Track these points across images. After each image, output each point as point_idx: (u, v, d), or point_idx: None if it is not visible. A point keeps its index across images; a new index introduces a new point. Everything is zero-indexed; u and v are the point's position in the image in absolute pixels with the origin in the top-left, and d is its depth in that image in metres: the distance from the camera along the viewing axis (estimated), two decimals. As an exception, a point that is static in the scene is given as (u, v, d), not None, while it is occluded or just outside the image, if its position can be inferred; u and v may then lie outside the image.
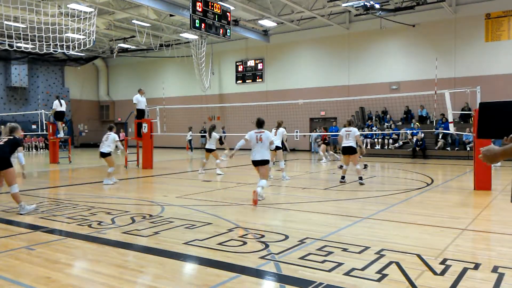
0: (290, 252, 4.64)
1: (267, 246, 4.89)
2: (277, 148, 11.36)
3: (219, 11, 19.68)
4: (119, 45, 28.96)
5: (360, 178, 10.33)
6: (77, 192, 9.66)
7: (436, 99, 11.69)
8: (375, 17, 22.48)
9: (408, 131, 20.71)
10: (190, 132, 24.96)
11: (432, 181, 11.20)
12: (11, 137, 6.74)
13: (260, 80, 28.53)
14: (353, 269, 4.07)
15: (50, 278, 3.92)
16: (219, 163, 13.24)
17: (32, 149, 29.30)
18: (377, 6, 19.44)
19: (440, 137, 20.14)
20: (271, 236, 5.34)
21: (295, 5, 21.13)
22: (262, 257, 4.47)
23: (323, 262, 4.29)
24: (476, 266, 4.14)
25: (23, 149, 6.78)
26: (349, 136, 10.28)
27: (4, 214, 6.98)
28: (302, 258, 4.43)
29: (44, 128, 20.01)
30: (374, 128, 22.30)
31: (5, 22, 18.72)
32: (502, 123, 2.47)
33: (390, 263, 4.23)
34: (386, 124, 22.56)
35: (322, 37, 25.79)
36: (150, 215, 6.77)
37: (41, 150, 29.48)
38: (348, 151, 10.29)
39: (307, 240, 5.15)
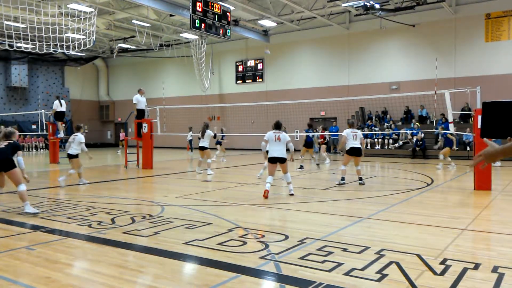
0: (290, 252, 4.64)
1: (267, 246, 4.89)
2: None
3: (219, 11, 19.67)
4: (119, 45, 28.96)
5: (360, 179, 10.34)
6: (77, 192, 9.67)
7: (436, 99, 11.69)
8: (375, 17, 22.47)
9: (408, 131, 20.71)
10: (191, 132, 24.97)
11: (432, 181, 11.20)
12: (11, 141, 6.86)
13: (260, 80, 28.53)
14: (353, 269, 4.07)
15: (50, 278, 3.92)
16: (210, 163, 13.28)
17: (32, 149, 29.30)
18: (377, 6, 19.44)
19: (440, 137, 20.12)
20: (271, 236, 5.34)
21: (295, 5, 21.13)
22: (262, 257, 4.47)
23: (323, 262, 4.29)
24: (476, 266, 4.14)
25: (22, 153, 6.85)
26: (356, 137, 10.23)
27: (4, 214, 6.98)
28: (302, 258, 4.43)
29: (44, 128, 20.02)
30: (375, 128, 22.30)
31: (5, 22, 18.72)
32: (506, 123, 2.46)
33: (390, 263, 4.24)
34: (386, 124, 22.56)
35: (322, 37, 25.79)
36: (150, 215, 6.78)
37: (41, 150, 29.48)
38: (357, 152, 10.22)
39: (307, 240, 5.15)
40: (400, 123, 22.46)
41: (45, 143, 28.94)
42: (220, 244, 5.00)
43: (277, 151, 8.57)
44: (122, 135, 29.13)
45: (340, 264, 4.20)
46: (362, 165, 16.88)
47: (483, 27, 21.09)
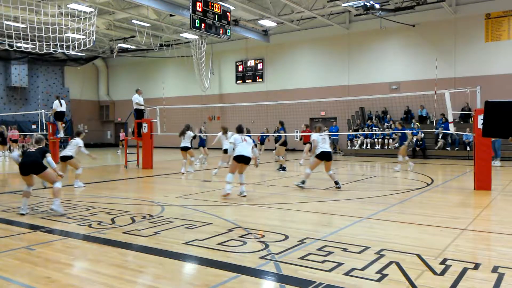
0: (290, 252, 4.64)
1: (267, 246, 4.89)
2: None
3: (219, 11, 19.67)
4: (119, 45, 28.95)
5: (336, 183, 9.78)
6: (77, 192, 9.67)
7: (436, 99, 11.68)
8: (375, 17, 22.48)
9: (408, 131, 20.67)
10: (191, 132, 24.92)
11: (432, 181, 11.20)
12: (40, 146, 7.24)
13: (260, 80, 28.53)
14: (353, 269, 4.07)
15: (50, 278, 3.92)
16: (192, 161, 13.75)
17: (32, 149, 29.25)
18: (377, 6, 19.44)
19: (440, 137, 20.15)
20: (271, 236, 5.34)
21: (295, 5, 21.13)
22: (262, 257, 4.47)
23: (323, 262, 4.29)
24: (476, 266, 4.14)
25: (50, 155, 7.26)
26: (326, 141, 9.81)
27: (4, 214, 6.98)
28: (302, 258, 4.43)
29: (44, 128, 20.01)
30: (375, 128, 22.29)
31: (5, 22, 18.72)
32: (508, 122, 2.45)
33: (390, 263, 4.23)
34: (386, 124, 22.55)
35: (322, 37, 25.79)
36: (150, 215, 6.77)
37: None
38: (327, 157, 9.68)
39: (307, 240, 5.15)
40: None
41: (45, 143, 28.89)
42: (220, 244, 5.00)
43: (246, 151, 8.57)
44: (122, 135, 29.12)
45: (340, 264, 4.20)
46: (362, 165, 16.93)
47: (483, 27, 21.10)
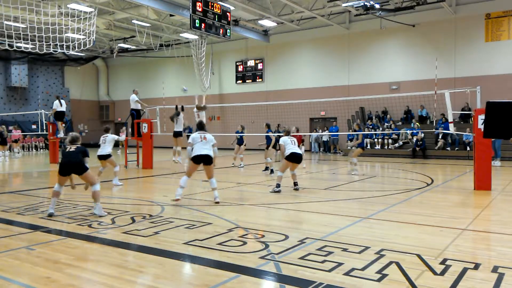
0: (290, 252, 4.64)
1: (267, 246, 4.89)
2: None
3: (219, 11, 19.67)
4: (119, 45, 28.95)
5: (296, 184, 9.65)
6: (77, 192, 9.65)
7: (436, 99, 11.68)
8: (375, 17, 22.48)
9: (408, 131, 20.72)
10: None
11: (432, 181, 11.20)
12: (79, 145, 7.00)
13: (260, 80, 28.53)
14: (353, 269, 4.07)
15: (50, 278, 3.92)
16: (179, 151, 13.83)
17: (32, 149, 29.30)
18: (377, 6, 19.44)
19: (440, 137, 20.15)
20: (271, 236, 5.34)
21: (295, 5, 21.13)
22: (262, 257, 4.46)
23: (323, 262, 4.29)
24: (476, 266, 4.14)
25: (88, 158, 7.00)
26: (295, 143, 9.60)
27: (4, 214, 6.97)
28: (302, 258, 4.43)
29: (44, 128, 20.02)
30: (376, 128, 22.30)
31: (5, 22, 18.71)
32: (509, 123, 2.44)
33: (390, 263, 4.23)
34: (386, 124, 22.56)
35: (322, 37, 25.78)
36: (150, 215, 6.77)
37: (41, 150, 29.48)
38: (297, 159, 9.42)
39: (307, 240, 5.15)
40: (400, 123, 22.46)
41: (45, 143, 28.94)
42: (220, 244, 5.00)
43: (204, 149, 7.84)
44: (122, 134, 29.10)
45: (340, 264, 4.20)
46: (362, 165, 16.92)
47: (483, 27, 21.10)
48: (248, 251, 4.72)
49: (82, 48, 17.30)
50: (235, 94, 29.18)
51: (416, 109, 22.25)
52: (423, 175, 12.55)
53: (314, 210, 7.31)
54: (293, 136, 10.16)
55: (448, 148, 19.89)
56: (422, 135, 20.08)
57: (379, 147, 21.74)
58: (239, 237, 5.35)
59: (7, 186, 11.05)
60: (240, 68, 29.39)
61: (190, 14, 18.29)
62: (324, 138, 24.96)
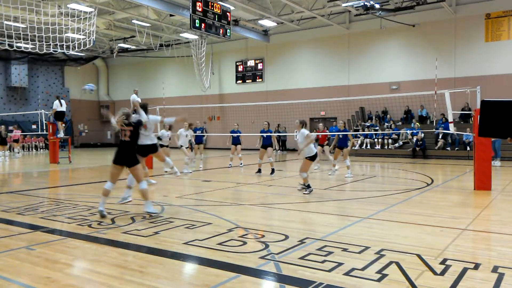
0: (290, 252, 4.63)
1: (267, 246, 4.89)
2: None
3: (219, 11, 19.68)
4: (119, 45, 28.95)
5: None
6: (77, 192, 9.66)
7: (436, 99, 11.69)
8: (375, 17, 22.48)
9: (408, 131, 20.72)
10: (190, 131, 24.90)
11: (432, 181, 11.20)
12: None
13: (260, 80, 28.53)
14: (353, 269, 4.07)
15: (50, 278, 3.92)
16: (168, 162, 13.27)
17: (32, 149, 29.31)
18: (377, 6, 19.44)
19: (440, 137, 20.15)
20: (271, 236, 5.34)
21: (295, 5, 21.13)
22: (262, 257, 4.46)
23: (323, 262, 4.29)
24: (476, 266, 4.14)
25: None
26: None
27: (4, 214, 6.97)
28: (302, 258, 4.43)
29: (44, 128, 20.01)
30: (375, 128, 22.28)
31: (5, 22, 18.72)
32: (504, 122, 2.43)
33: (390, 263, 4.23)
34: (386, 124, 22.56)
35: (322, 37, 25.79)
36: (150, 215, 6.77)
37: (41, 150, 29.48)
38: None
39: (307, 240, 5.15)
40: (400, 123, 22.46)
41: (45, 143, 28.94)
42: (220, 244, 5.00)
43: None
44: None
45: (340, 264, 4.20)
46: (362, 165, 16.92)
47: (483, 27, 21.10)
48: (248, 251, 4.72)
49: (82, 48, 17.31)
50: (235, 94, 29.18)
51: (416, 109, 22.25)
52: (423, 175, 12.55)
53: (314, 210, 7.31)
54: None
55: (448, 148, 19.89)
56: (422, 135, 20.07)
57: (379, 147, 21.73)
58: (239, 237, 5.35)
59: (7, 186, 11.05)
60: (240, 68, 29.39)
61: (190, 14, 18.30)
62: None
